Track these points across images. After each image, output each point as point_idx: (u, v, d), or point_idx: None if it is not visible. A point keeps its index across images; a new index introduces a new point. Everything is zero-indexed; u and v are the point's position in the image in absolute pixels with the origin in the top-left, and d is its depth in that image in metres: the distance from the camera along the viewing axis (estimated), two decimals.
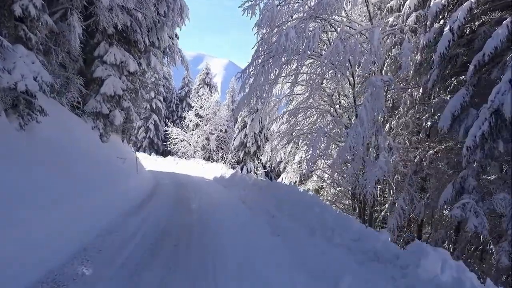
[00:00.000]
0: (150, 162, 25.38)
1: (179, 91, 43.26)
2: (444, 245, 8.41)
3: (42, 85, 5.65)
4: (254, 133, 26.80)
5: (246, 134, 27.02)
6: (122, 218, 6.04)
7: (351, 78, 9.50)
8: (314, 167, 8.43)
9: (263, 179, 12.18)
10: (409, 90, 9.22)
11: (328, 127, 9.29)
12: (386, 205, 10.43)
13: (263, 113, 11.25)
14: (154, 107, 37.75)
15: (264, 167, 24.28)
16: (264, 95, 9.93)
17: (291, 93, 10.39)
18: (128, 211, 6.60)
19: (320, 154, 8.06)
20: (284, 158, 12.97)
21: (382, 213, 10.54)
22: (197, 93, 33.30)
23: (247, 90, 9.54)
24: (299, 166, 13.27)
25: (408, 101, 8.93)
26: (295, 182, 15.09)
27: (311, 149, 7.94)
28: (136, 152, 17.05)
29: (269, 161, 12.54)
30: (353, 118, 10.04)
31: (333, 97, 10.08)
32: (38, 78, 5.61)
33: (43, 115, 6.15)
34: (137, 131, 37.43)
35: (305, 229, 5.30)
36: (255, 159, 27.32)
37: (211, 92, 33.21)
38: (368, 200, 9.63)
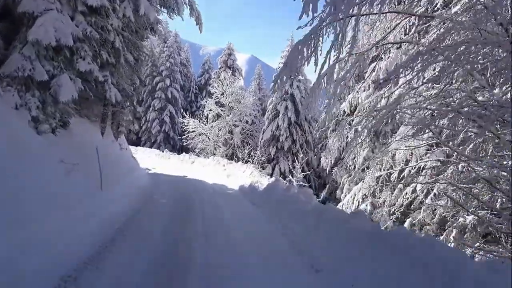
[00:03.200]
0: (161, 160, 20.65)
1: (199, 79, 38.29)
2: None
3: None
4: (289, 124, 21.35)
5: (278, 125, 21.62)
6: None
7: None
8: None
9: (339, 209, 6.81)
10: None
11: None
12: None
13: (338, 80, 5.75)
14: (170, 97, 32.94)
15: (303, 170, 18.75)
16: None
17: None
18: None
19: None
20: (361, 160, 7.53)
21: None
22: (217, 77, 27.93)
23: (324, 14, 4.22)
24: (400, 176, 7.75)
25: None
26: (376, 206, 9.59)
27: None
28: (132, 148, 12.09)
29: (335, 165, 7.14)
30: None
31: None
32: None
33: None
34: (151, 124, 32.83)
35: None
36: (290, 156, 21.87)
37: (235, 76, 27.84)
38: None
